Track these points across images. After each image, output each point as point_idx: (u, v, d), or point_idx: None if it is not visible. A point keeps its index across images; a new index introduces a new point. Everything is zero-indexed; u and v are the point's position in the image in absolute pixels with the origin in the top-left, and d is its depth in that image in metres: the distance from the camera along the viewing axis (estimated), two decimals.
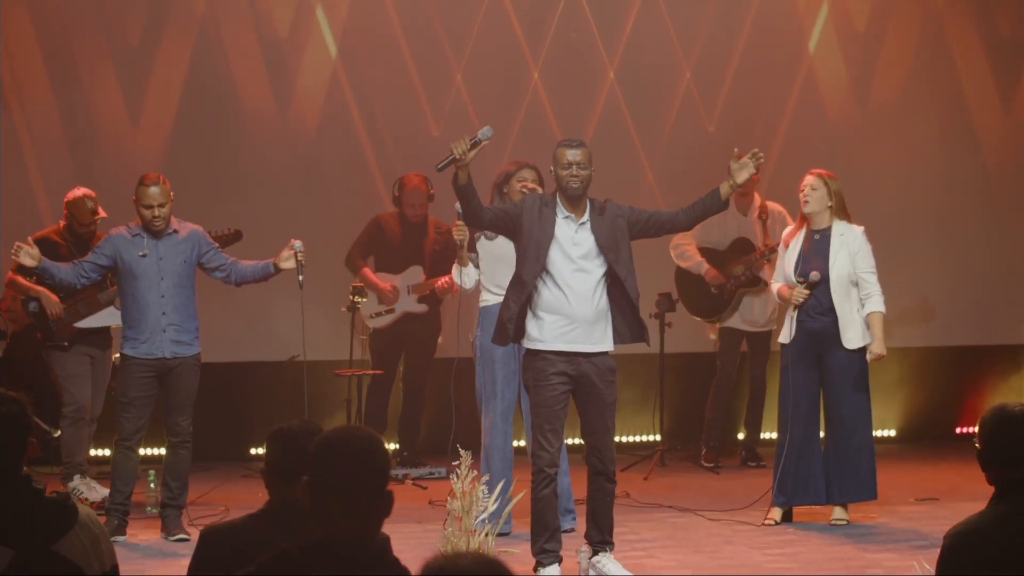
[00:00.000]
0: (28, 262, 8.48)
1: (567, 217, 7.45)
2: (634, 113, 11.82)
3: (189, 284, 8.67)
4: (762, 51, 11.97)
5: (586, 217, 7.46)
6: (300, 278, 8.60)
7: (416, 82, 11.56)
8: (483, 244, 8.71)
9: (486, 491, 7.48)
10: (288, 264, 8.63)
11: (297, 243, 8.64)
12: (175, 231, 8.67)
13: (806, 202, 8.91)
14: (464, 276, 8.62)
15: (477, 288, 8.76)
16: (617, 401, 7.59)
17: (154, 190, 8.59)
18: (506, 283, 8.08)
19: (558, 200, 7.49)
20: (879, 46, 12.16)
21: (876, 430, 12.00)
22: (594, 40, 11.78)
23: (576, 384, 7.44)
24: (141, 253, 8.59)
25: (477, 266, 8.67)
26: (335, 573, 3.55)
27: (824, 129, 12.05)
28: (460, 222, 8.30)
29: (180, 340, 8.62)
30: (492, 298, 8.70)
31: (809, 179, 8.97)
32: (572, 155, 7.41)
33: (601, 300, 7.44)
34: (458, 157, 7.21)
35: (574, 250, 7.42)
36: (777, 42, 12.02)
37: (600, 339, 7.46)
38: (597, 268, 7.44)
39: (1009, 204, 12.35)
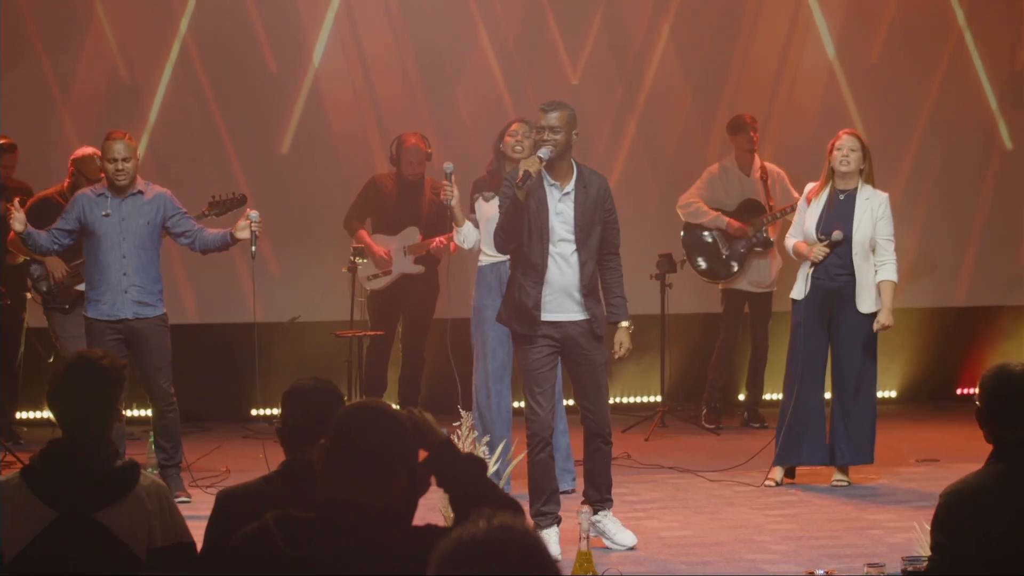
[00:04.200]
0: (17, 227, 8.47)
1: (552, 184, 7.39)
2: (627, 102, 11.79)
3: (152, 246, 8.62)
4: (766, 28, 11.94)
5: (571, 187, 7.39)
6: (253, 248, 8.61)
7: (410, 48, 11.53)
8: (480, 205, 8.70)
9: (487, 452, 7.47)
10: (243, 234, 8.60)
11: (253, 213, 8.60)
12: (140, 192, 8.63)
13: (846, 162, 8.85)
14: (463, 236, 8.61)
15: (476, 249, 8.76)
16: (608, 362, 7.56)
17: (119, 145, 8.57)
18: None
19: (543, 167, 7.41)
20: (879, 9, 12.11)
21: (878, 391, 12.04)
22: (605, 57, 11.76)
23: (563, 346, 7.41)
24: (104, 213, 8.56)
25: (477, 226, 8.66)
26: (341, 533, 3.55)
27: (822, 94, 12.02)
28: (447, 183, 8.27)
29: (143, 301, 8.58)
30: (488, 259, 8.73)
31: (848, 139, 8.86)
32: (545, 120, 7.31)
33: (578, 268, 7.40)
34: (533, 174, 7.21)
35: (556, 219, 7.37)
36: (778, 12, 11.99)
37: (580, 307, 7.40)
38: (573, 239, 7.40)
39: (1012, 166, 12.32)
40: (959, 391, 12.28)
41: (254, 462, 9.52)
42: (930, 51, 12.13)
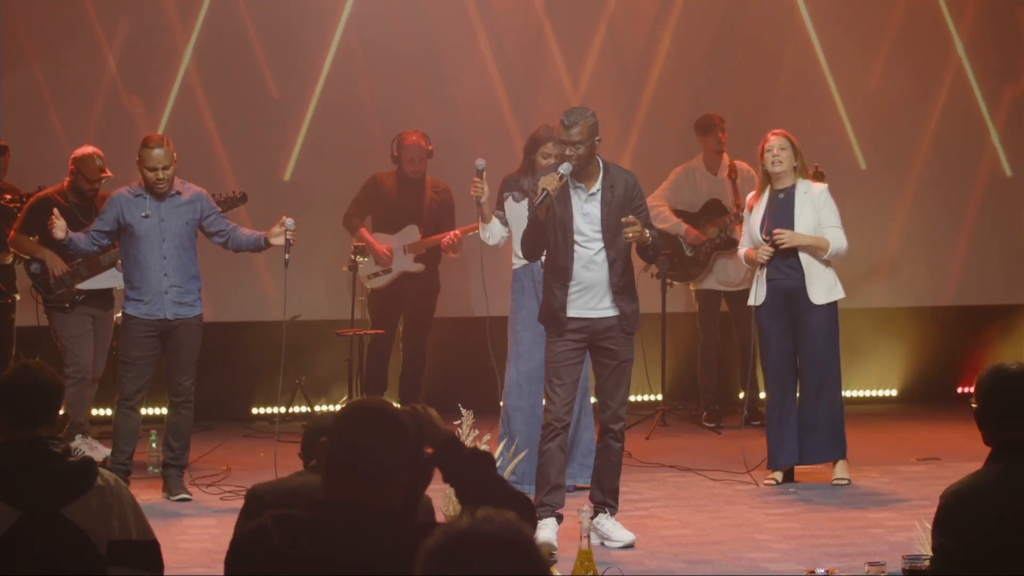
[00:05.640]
0: (59, 235, 8.50)
1: (577, 187, 7.44)
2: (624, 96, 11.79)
3: (191, 245, 8.68)
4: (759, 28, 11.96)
5: (597, 187, 7.44)
6: (286, 256, 8.62)
7: (414, 57, 11.54)
8: (511, 205, 8.62)
9: (487, 449, 7.47)
10: (278, 241, 8.63)
11: (288, 220, 8.60)
12: (178, 192, 8.65)
13: (778, 162, 8.87)
14: (488, 233, 8.57)
15: (501, 246, 8.70)
16: (633, 361, 7.60)
17: (158, 152, 8.56)
18: None
19: None
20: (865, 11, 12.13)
21: (878, 390, 12.09)
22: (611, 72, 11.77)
23: (590, 341, 7.50)
24: (143, 214, 8.59)
25: (505, 223, 8.61)
26: (342, 531, 3.54)
27: (816, 94, 12.03)
28: (478, 179, 8.28)
29: (182, 301, 8.63)
30: (520, 261, 8.61)
31: (777, 140, 8.90)
32: (567, 135, 7.33)
33: (605, 266, 7.46)
34: (552, 192, 7.25)
35: (582, 220, 7.42)
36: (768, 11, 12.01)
37: (610, 304, 7.48)
38: (600, 239, 7.46)
39: (1009, 165, 12.32)
40: (960, 390, 12.27)
41: (255, 461, 9.54)
42: (929, 76, 12.13)
